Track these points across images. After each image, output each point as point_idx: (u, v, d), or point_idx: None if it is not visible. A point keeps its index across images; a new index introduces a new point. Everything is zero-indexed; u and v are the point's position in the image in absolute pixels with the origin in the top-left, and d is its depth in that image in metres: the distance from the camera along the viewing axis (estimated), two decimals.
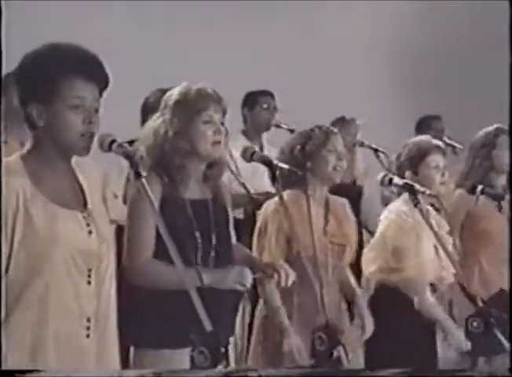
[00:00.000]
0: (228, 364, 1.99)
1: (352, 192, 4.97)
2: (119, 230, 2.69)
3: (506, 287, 3.79)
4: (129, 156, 2.20)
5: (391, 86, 6.63)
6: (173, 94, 2.66)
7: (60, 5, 5.15)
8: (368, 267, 3.36)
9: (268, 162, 2.64)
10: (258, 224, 3.15)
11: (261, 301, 3.16)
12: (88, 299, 2.14)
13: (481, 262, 3.72)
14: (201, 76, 2.70)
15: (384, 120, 6.04)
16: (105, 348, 2.20)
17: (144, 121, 4.23)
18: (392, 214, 3.37)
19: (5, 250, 2.04)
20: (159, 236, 2.46)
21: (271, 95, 4.81)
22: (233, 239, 2.78)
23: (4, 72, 2.85)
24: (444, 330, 3.26)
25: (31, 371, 1.99)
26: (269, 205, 3.10)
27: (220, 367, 1.94)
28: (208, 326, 2.01)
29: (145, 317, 2.58)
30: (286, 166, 2.70)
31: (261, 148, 4.64)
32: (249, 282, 2.57)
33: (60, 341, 2.11)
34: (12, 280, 2.06)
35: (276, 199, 2.91)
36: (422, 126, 5.58)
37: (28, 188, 2.08)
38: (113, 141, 2.20)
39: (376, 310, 3.32)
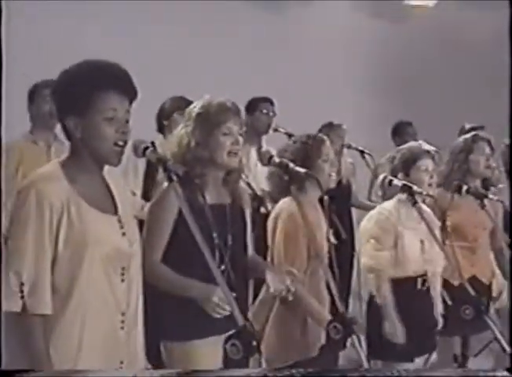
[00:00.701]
0: (260, 356, 1.86)
1: (341, 190, 4.87)
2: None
3: (479, 274, 3.71)
4: (162, 161, 2.12)
5: (368, 93, 6.51)
6: (196, 107, 2.54)
7: (60, 5, 4.94)
8: (362, 260, 3.24)
9: (285, 166, 2.51)
10: (281, 226, 2.90)
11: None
12: (122, 295, 2.04)
13: (456, 255, 3.60)
14: (201, 85, 2.56)
15: (362, 125, 5.91)
16: (136, 341, 2.10)
17: (159, 125, 4.12)
18: (376, 212, 3.26)
19: (49, 254, 1.93)
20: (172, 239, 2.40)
21: (270, 101, 4.68)
22: (249, 240, 2.63)
23: (4, 71, 2.72)
24: (387, 319, 3.12)
25: (27, 371, 1.87)
26: (288, 209, 2.88)
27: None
28: (240, 320, 1.88)
29: (172, 311, 2.42)
30: (303, 170, 2.55)
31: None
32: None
33: (99, 334, 2.00)
34: (58, 282, 1.95)
35: (293, 203, 2.75)
36: (397, 131, 5.48)
37: (70, 193, 1.97)
38: (147, 148, 2.12)
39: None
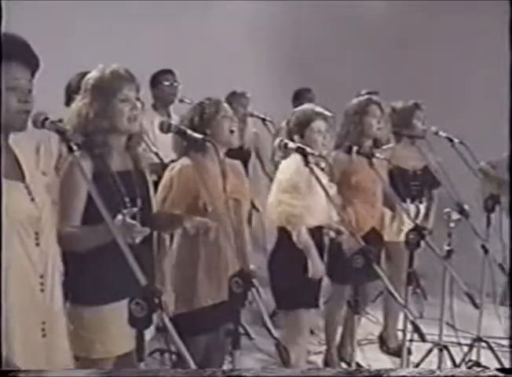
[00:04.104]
0: (162, 312, 1.86)
1: (243, 155, 4.92)
2: None
3: (377, 225, 3.82)
4: (61, 132, 2.08)
5: (270, 64, 6.53)
6: (90, 78, 2.49)
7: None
8: (272, 212, 3.27)
9: (183, 132, 2.50)
10: (163, 181, 2.93)
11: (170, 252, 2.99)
12: (38, 259, 2.03)
13: (357, 209, 3.71)
14: (114, 59, 2.51)
15: (265, 93, 5.93)
16: (56, 302, 2.09)
17: (68, 101, 4.00)
18: (291, 162, 3.26)
19: None
20: (88, 206, 2.35)
21: (171, 72, 4.64)
22: (153, 201, 2.62)
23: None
24: (311, 259, 3.21)
25: (25, 371, 1.82)
26: (175, 166, 2.91)
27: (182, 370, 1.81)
28: (143, 280, 1.88)
29: (81, 276, 2.39)
30: (199, 136, 2.54)
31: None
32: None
33: (19, 297, 1.97)
34: None
35: (182, 160, 2.75)
36: (297, 97, 5.53)
37: None
38: (46, 119, 2.08)
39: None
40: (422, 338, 2.77)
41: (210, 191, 2.77)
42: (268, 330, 2.20)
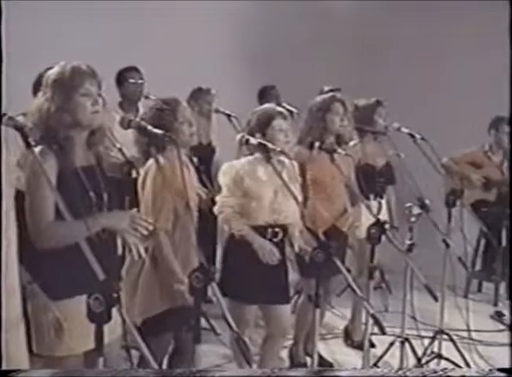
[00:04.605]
0: (120, 307, 1.87)
1: (207, 151, 4.95)
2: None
3: (337, 221, 3.85)
4: (18, 128, 2.08)
5: (236, 61, 6.54)
6: (52, 74, 2.47)
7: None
8: (221, 210, 3.29)
9: (143, 129, 2.50)
10: (140, 179, 2.97)
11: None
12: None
13: (316, 205, 3.73)
14: (77, 57, 2.51)
15: (231, 90, 5.94)
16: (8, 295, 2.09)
17: (35, 93, 3.96)
18: (228, 166, 3.31)
19: None
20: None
21: (136, 70, 4.61)
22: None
23: (4, 71, 2.58)
24: (258, 249, 3.22)
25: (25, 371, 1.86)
26: (149, 166, 2.91)
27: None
28: (101, 275, 1.88)
29: (43, 272, 2.38)
30: (159, 132, 2.54)
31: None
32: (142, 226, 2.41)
33: None
34: None
35: (152, 161, 2.76)
36: (262, 94, 5.55)
37: None
38: (4, 115, 2.07)
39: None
40: (382, 331, 2.81)
41: (177, 188, 2.77)
42: (228, 324, 2.22)
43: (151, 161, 2.88)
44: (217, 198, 3.29)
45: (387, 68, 6.82)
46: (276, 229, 3.24)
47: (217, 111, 4.96)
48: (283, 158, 3.22)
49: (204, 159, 4.71)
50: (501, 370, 2.13)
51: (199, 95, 5.00)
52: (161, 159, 2.76)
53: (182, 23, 6.09)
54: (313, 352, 2.96)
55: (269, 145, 2.92)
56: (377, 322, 2.70)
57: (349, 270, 4.24)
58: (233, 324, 2.20)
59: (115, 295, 1.88)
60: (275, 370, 2.13)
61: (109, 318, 1.90)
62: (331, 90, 5.62)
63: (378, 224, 3.10)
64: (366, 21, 7.01)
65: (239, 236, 3.22)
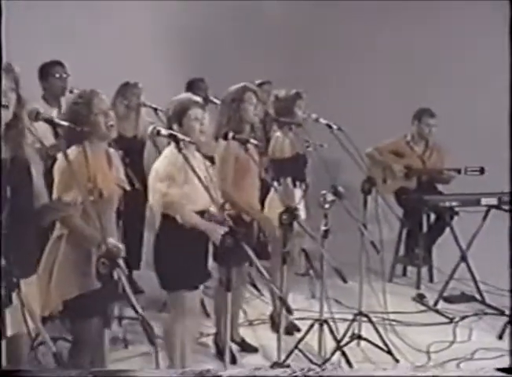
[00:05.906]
0: (20, 292, 1.92)
1: (136, 144, 4.99)
2: None
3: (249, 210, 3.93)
4: None
5: (165, 54, 6.58)
6: None
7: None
8: (151, 200, 3.34)
9: (50, 121, 2.54)
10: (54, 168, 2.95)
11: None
12: None
13: (243, 189, 3.81)
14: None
15: (159, 84, 5.98)
16: None
17: None
18: (168, 153, 3.32)
19: None
20: None
21: (60, 64, 4.61)
22: (40, 191, 2.65)
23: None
24: (206, 231, 3.27)
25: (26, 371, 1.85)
26: (60, 160, 2.94)
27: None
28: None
29: None
30: (66, 124, 2.58)
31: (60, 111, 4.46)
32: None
33: None
34: None
35: (61, 154, 2.80)
36: (190, 86, 5.57)
37: None
38: None
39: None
40: (289, 313, 2.93)
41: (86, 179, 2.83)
42: (133, 307, 2.28)
43: (72, 148, 2.90)
44: (153, 185, 3.28)
45: (317, 62, 7.00)
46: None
47: (144, 104, 5.01)
48: (193, 148, 3.29)
49: (134, 151, 4.77)
50: (501, 370, 2.18)
51: (126, 89, 5.03)
52: (71, 151, 2.81)
53: (110, 18, 6.11)
54: (225, 337, 3.04)
55: (179, 136, 2.99)
56: (284, 304, 2.83)
57: (268, 257, 4.39)
58: (137, 307, 2.27)
59: (15, 280, 1.93)
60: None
61: (10, 302, 1.96)
62: (262, 83, 5.75)
63: (289, 210, 3.21)
64: (297, 16, 7.16)
65: (181, 220, 3.23)
